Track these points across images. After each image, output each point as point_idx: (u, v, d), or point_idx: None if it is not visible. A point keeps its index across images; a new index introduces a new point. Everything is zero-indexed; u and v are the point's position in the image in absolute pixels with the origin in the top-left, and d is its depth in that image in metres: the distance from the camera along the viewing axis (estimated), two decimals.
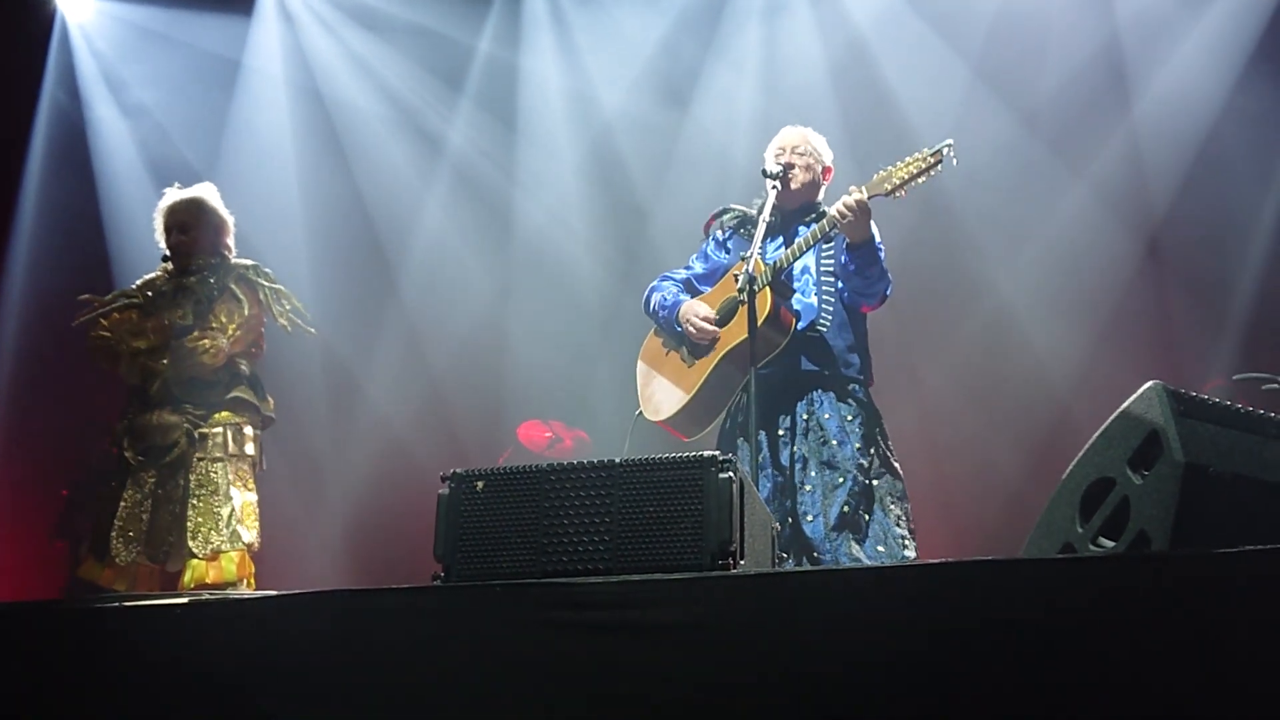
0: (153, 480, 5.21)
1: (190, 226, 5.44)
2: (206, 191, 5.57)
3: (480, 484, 3.16)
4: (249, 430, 5.32)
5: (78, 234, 8.27)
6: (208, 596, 3.77)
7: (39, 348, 8.05)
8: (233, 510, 5.15)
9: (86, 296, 5.56)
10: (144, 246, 6.58)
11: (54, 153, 8.43)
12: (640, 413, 5.02)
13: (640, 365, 5.09)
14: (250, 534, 5.18)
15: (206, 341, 5.23)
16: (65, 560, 8.05)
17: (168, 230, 5.47)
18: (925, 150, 4.47)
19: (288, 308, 5.48)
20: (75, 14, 8.62)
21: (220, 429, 5.24)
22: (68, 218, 8.31)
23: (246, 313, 5.34)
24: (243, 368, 5.37)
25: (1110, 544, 2.95)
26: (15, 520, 8.02)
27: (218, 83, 8.59)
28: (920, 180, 4.47)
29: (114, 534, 5.14)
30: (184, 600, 3.30)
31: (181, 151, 8.33)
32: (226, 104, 8.59)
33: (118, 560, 5.13)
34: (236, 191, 5.84)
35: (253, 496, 5.27)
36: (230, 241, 5.53)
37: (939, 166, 4.44)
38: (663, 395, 4.94)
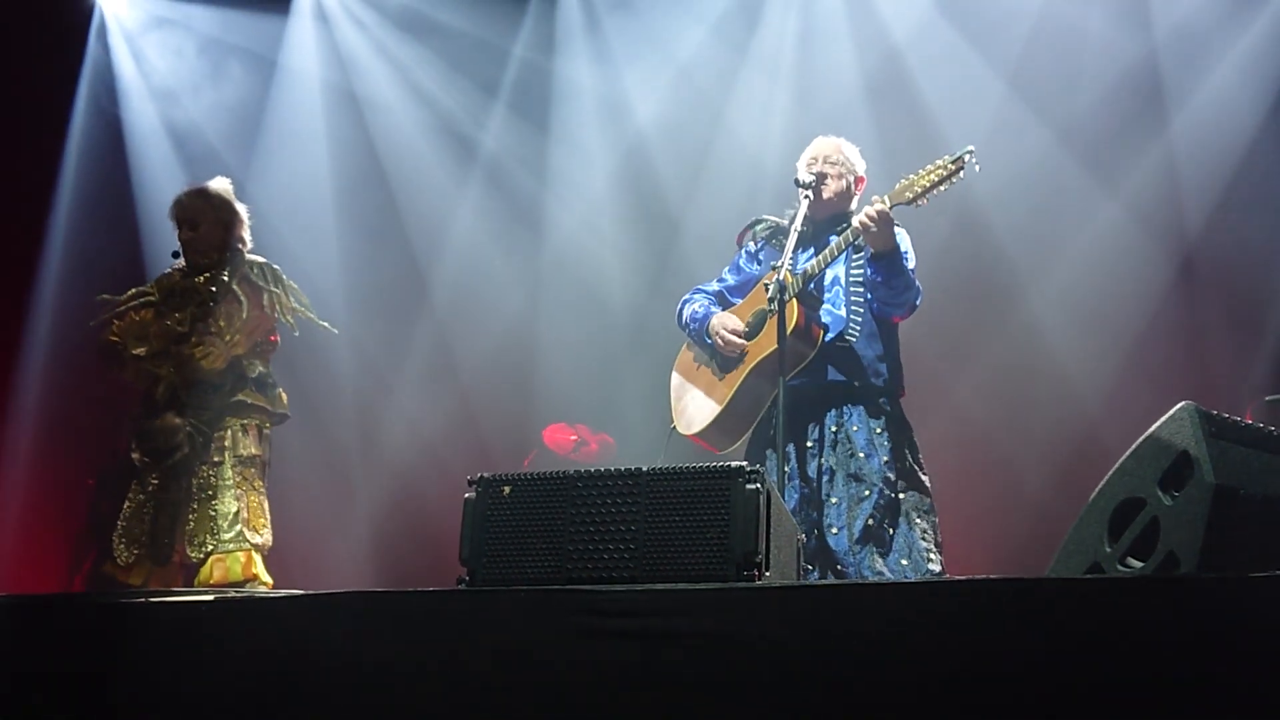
0: (155, 482, 5.18)
1: (198, 222, 5.35)
2: (216, 184, 5.45)
3: (507, 489, 3.16)
4: (254, 432, 5.26)
5: (111, 251, 8.30)
6: (233, 594, 3.77)
7: (70, 341, 8.09)
8: (238, 512, 5.11)
9: (105, 297, 5.50)
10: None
11: (90, 154, 8.47)
12: (674, 428, 4.99)
13: (674, 378, 5.08)
14: (259, 536, 5.14)
15: (202, 348, 5.16)
16: (72, 552, 8.10)
17: (178, 225, 5.39)
18: (946, 157, 4.44)
19: (293, 305, 5.36)
20: (113, 7, 8.69)
21: (224, 432, 5.20)
22: (101, 234, 8.33)
23: (246, 315, 5.24)
24: (249, 369, 5.30)
25: (1139, 565, 2.93)
26: (30, 512, 8.07)
27: (254, 82, 8.65)
28: (942, 188, 4.44)
29: (116, 535, 5.14)
30: (209, 597, 3.30)
31: (218, 150, 8.37)
32: (262, 103, 8.64)
33: (119, 560, 5.11)
34: (270, 191, 5.83)
35: (260, 497, 5.22)
36: (245, 234, 5.41)
37: (960, 174, 4.41)
38: (695, 409, 4.93)
